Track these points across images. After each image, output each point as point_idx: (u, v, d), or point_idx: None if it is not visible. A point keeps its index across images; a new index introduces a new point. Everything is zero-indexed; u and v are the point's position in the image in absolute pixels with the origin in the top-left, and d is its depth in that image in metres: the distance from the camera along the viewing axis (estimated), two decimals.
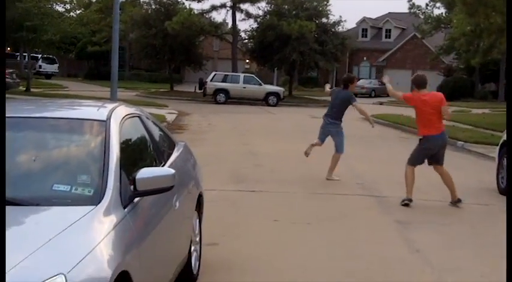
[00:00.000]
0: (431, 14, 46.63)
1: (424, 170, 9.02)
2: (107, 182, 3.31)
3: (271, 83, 41.49)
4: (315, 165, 11.81)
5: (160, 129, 4.93)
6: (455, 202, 8.61)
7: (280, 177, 10.30)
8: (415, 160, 8.71)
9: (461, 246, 6.56)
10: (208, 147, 13.68)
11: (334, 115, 10.29)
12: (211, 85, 33.55)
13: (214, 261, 5.54)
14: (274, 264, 5.65)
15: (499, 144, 10.21)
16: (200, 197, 5.19)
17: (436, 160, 8.70)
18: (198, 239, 5.13)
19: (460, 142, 16.59)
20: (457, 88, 45.69)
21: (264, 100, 33.53)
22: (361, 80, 52.01)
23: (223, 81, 34.02)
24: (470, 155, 14.69)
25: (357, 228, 7.12)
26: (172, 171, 3.57)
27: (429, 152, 8.62)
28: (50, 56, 49.54)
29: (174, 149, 4.97)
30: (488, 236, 7.11)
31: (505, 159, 9.71)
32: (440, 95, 8.71)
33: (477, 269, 5.81)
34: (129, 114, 4.18)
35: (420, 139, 8.67)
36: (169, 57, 38.25)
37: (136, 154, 4.13)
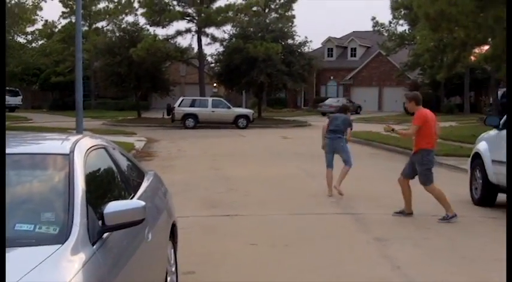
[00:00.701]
0: (395, 31, 47.36)
1: (397, 186, 8.96)
2: (72, 218, 3.13)
3: (240, 106, 41.48)
4: (290, 187, 11.71)
5: (128, 160, 4.76)
6: (408, 214, 8.69)
7: (255, 201, 10.15)
8: (431, 177, 8.62)
9: (441, 260, 6.47)
10: (179, 174, 13.47)
11: (340, 130, 10.86)
12: (180, 110, 33.35)
13: None
14: None
15: (471, 156, 10.25)
16: (174, 227, 5.02)
17: (412, 174, 8.75)
18: (173, 269, 4.95)
19: None
20: (423, 103, 46.10)
21: (234, 123, 33.45)
22: (329, 99, 52.47)
23: (192, 106, 33.85)
24: (441, 168, 14.73)
25: (336, 248, 6.99)
26: (142, 203, 3.40)
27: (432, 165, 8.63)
28: (13, 89, 48.85)
29: (143, 179, 4.80)
30: (467, 248, 7.05)
31: (477, 170, 9.74)
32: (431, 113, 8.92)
33: None
34: (94, 146, 4.01)
35: (421, 154, 8.56)
36: (135, 85, 37.92)
37: (103, 187, 3.95)
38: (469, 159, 10.32)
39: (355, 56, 60.34)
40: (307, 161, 15.99)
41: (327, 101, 51.39)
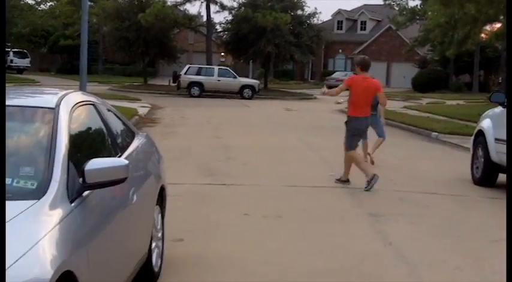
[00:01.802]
0: (406, 6, 46.72)
1: (397, 162, 8.88)
2: (52, 174, 3.05)
3: (247, 76, 41.24)
4: (289, 159, 11.63)
5: (119, 119, 4.65)
6: (344, 181, 8.88)
7: (252, 171, 10.08)
8: (353, 144, 8.91)
9: (435, 239, 6.40)
10: (180, 141, 13.41)
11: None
12: (186, 78, 33.17)
13: (178, 257, 5.29)
14: (243, 260, 5.41)
15: (474, 134, 10.06)
16: (162, 191, 4.91)
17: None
18: (160, 234, 4.87)
19: (434, 133, 16.54)
20: (431, 80, 45.99)
21: (239, 93, 33.27)
22: (336, 73, 52.08)
23: (198, 74, 33.66)
24: (445, 146, 14.62)
25: (329, 222, 6.92)
26: (125, 162, 3.31)
27: (357, 132, 8.91)
28: (21, 50, 48.73)
29: (133, 140, 4.70)
30: (463, 227, 6.96)
31: (480, 149, 9.58)
32: (378, 83, 9.01)
33: (451, 262, 5.64)
34: (82, 102, 3.90)
35: (347, 121, 8.90)
36: (143, 50, 37.73)
37: (88, 144, 3.85)
38: (472, 138, 10.13)
39: (365, 29, 59.73)
40: (310, 133, 15.89)
41: (334, 75, 51.03)
